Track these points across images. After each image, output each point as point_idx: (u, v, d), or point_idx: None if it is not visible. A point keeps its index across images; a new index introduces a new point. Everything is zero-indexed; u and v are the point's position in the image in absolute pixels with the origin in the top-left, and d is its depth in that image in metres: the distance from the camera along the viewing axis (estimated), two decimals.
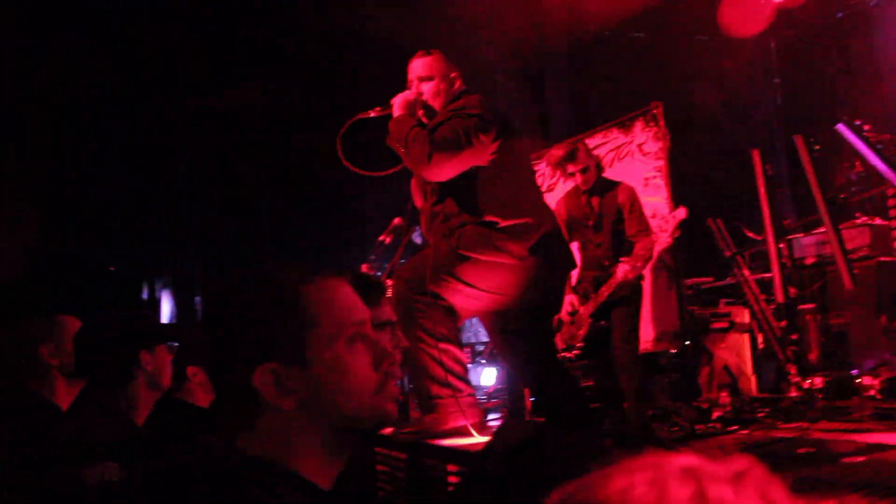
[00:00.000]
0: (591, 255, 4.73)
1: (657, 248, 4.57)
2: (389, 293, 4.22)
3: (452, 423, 3.14)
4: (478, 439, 3.00)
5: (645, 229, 4.63)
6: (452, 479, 2.82)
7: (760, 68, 9.16)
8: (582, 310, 4.62)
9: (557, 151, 4.68)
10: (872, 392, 5.00)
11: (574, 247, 4.67)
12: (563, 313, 4.64)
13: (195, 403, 3.13)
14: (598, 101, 8.62)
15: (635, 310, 4.62)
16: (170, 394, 2.71)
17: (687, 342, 5.58)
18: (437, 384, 3.17)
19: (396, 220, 4.93)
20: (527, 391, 4.61)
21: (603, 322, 4.62)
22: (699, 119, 8.59)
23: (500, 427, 2.44)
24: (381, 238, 4.93)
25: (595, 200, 4.68)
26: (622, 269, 4.40)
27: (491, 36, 8.69)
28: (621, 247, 4.64)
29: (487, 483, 2.05)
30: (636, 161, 5.36)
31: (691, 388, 5.63)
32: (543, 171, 5.96)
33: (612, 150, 5.55)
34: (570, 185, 4.82)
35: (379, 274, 4.78)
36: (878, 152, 5.58)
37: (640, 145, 5.34)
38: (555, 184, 6.15)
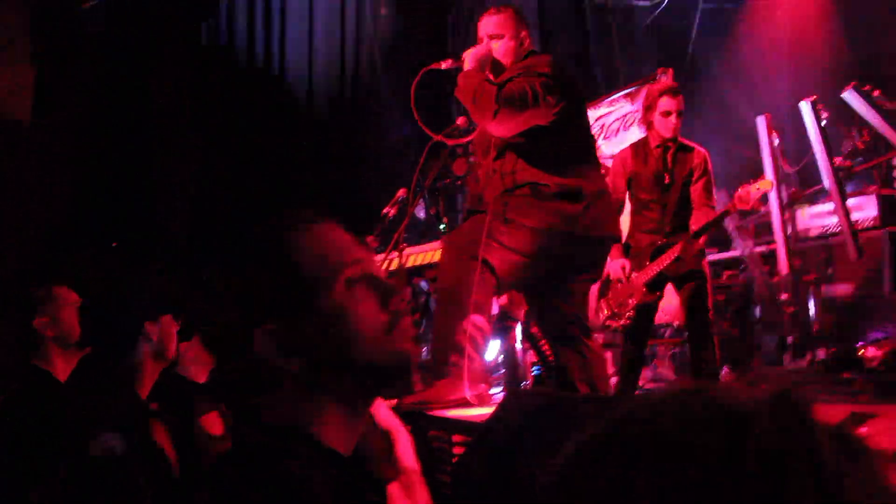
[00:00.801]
0: (651, 216, 4.47)
1: (731, 223, 4.39)
2: (392, 266, 4.20)
3: (461, 394, 3.14)
4: (483, 410, 3.00)
5: (710, 200, 4.41)
6: (457, 451, 2.82)
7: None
8: (634, 277, 4.37)
9: (662, 84, 4.48)
10: (875, 364, 4.99)
11: (626, 208, 4.53)
12: (615, 276, 4.41)
13: (192, 379, 3.10)
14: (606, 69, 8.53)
15: (703, 284, 4.38)
16: (169, 368, 2.70)
17: None
18: (456, 352, 3.17)
19: (401, 192, 4.88)
20: (528, 365, 4.59)
21: (658, 293, 4.39)
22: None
23: (504, 398, 2.43)
24: (384, 210, 4.88)
25: (670, 156, 4.41)
26: (680, 244, 4.19)
27: None
28: (685, 213, 4.39)
29: (492, 453, 2.03)
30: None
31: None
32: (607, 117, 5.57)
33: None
34: (632, 136, 4.63)
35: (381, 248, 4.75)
36: (887, 119, 5.52)
37: None
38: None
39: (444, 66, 3.40)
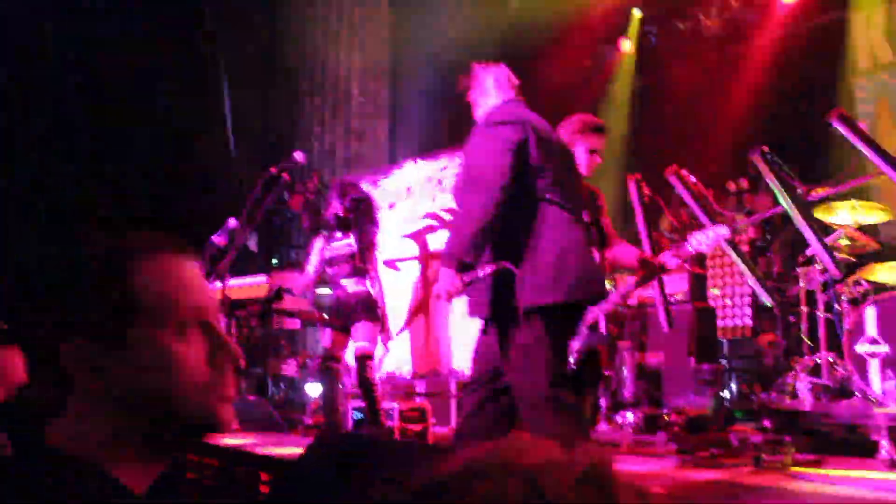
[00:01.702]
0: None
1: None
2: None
3: None
4: (291, 449, 2.91)
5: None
6: (264, 489, 2.73)
7: None
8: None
9: (590, 119, 4.17)
10: (676, 429, 5.28)
11: None
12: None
13: None
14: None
15: None
16: None
17: None
18: None
19: (230, 221, 4.72)
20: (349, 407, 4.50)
21: None
22: None
23: (316, 438, 2.37)
24: (212, 238, 4.69)
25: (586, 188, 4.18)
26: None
27: None
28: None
29: (303, 488, 1.96)
30: None
31: None
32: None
33: (456, 175, 5.62)
34: None
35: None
36: (701, 204, 5.95)
37: None
38: None
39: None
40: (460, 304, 4.91)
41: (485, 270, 2.90)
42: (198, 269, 1.18)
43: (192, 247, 1.18)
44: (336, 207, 5.08)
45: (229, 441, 3.08)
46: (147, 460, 1.12)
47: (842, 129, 4.44)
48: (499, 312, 2.99)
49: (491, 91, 3.20)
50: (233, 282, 4.47)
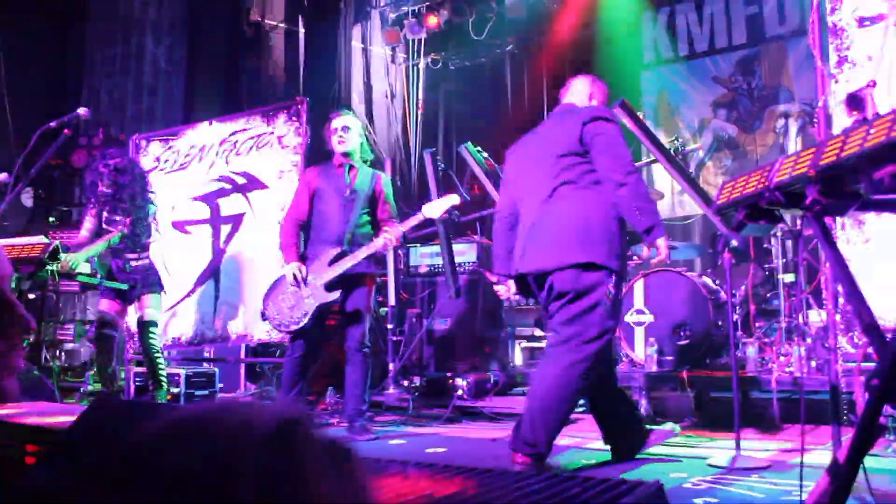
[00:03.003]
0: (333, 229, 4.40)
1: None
2: None
3: None
4: (63, 418, 2.78)
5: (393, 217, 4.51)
6: (29, 461, 2.60)
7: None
8: (312, 280, 4.34)
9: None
10: (461, 392, 5.57)
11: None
12: (288, 279, 4.35)
13: None
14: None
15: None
16: None
17: None
18: None
19: (2, 176, 4.39)
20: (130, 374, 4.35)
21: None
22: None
23: (90, 405, 2.30)
24: None
25: (353, 172, 4.46)
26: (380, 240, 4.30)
27: None
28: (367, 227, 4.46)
29: (72, 460, 1.91)
30: (274, 152, 5.38)
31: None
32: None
33: (252, 138, 5.52)
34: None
35: None
36: (492, 177, 6.25)
37: (280, 137, 5.36)
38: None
39: None
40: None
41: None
42: None
43: None
44: (102, 185, 4.84)
45: None
46: None
47: (623, 118, 4.88)
48: None
49: (596, 94, 3.72)
50: (2, 241, 4.16)
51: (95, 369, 4.80)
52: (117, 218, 4.76)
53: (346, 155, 4.41)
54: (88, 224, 4.90)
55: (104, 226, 4.83)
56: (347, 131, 4.40)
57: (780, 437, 4.01)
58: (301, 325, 4.24)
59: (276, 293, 4.36)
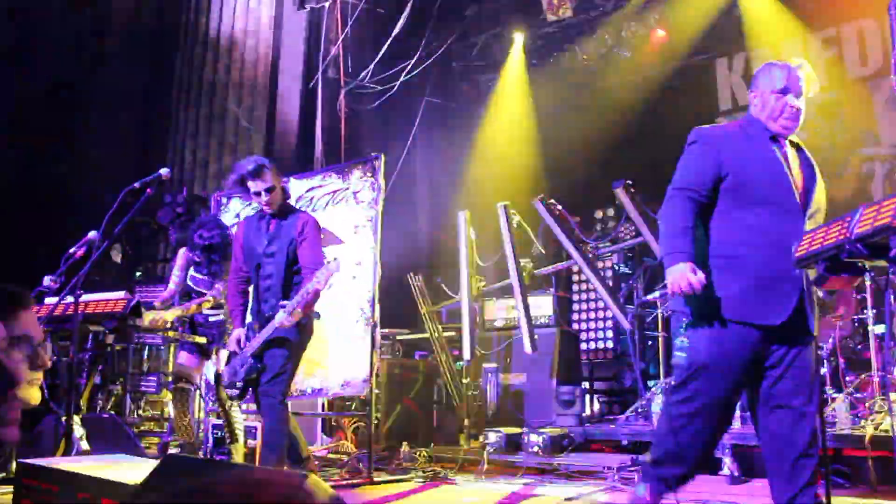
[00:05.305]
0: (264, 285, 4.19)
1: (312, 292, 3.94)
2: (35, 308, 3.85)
3: None
4: (137, 471, 2.83)
5: (313, 265, 4.08)
6: None
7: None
8: (248, 347, 4.13)
9: (245, 165, 4.21)
10: (535, 448, 5.45)
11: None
12: (230, 347, 4.22)
13: None
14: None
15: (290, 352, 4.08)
16: None
17: (377, 390, 5.70)
18: None
19: (91, 234, 4.57)
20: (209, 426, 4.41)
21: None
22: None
23: (160, 462, 2.33)
24: (71, 251, 4.52)
25: (273, 224, 4.21)
26: (278, 316, 3.95)
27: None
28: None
29: None
30: (349, 208, 5.45)
31: (377, 435, 5.77)
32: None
33: (328, 194, 5.61)
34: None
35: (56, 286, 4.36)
36: (566, 231, 6.20)
37: (355, 193, 5.44)
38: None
39: None
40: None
41: None
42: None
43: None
44: (193, 254, 4.99)
45: (71, 466, 2.98)
46: None
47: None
48: None
49: None
50: (86, 297, 4.31)
51: (174, 422, 4.89)
52: (206, 278, 4.91)
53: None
54: (177, 274, 5.06)
55: (189, 283, 4.99)
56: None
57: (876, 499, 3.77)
58: None
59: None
